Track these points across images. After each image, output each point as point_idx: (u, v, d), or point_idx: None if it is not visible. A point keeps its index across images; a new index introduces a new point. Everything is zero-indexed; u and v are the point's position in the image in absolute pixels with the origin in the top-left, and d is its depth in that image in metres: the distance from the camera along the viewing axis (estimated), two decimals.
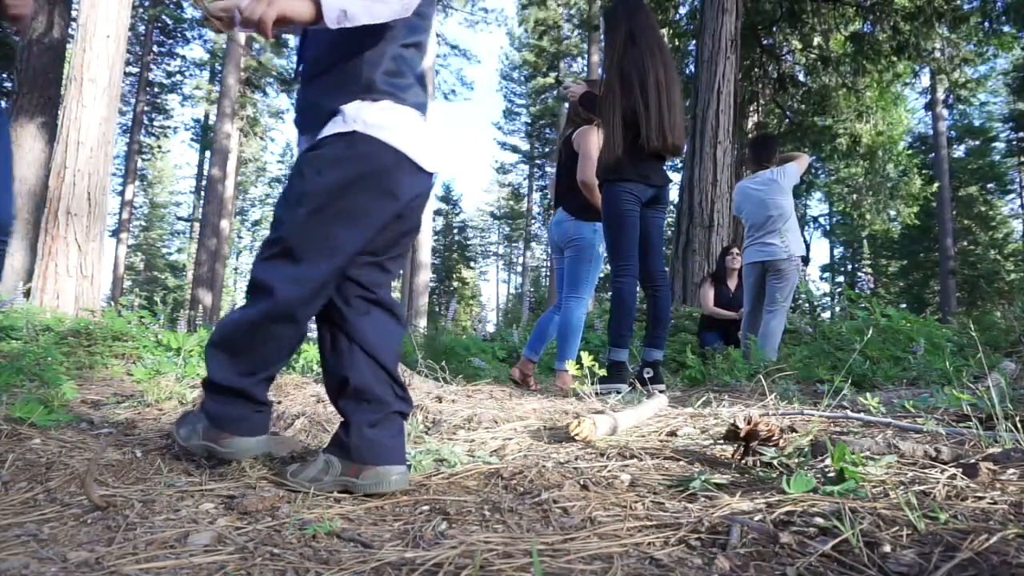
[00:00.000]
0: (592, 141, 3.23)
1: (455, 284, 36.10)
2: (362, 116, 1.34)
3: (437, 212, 36.13)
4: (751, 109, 11.63)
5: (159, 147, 25.92)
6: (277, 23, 1.19)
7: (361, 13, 1.25)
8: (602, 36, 3.37)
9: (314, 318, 1.44)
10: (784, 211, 4.31)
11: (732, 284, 5.46)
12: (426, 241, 14.67)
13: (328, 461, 1.32)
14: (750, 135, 11.48)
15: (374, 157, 1.35)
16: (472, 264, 39.91)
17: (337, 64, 1.38)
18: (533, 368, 3.45)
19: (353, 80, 1.36)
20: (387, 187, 1.36)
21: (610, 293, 3.04)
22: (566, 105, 3.70)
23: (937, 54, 10.36)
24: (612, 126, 2.90)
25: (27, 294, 5.33)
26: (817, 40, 10.87)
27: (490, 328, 9.36)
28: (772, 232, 4.29)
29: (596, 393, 2.55)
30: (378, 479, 1.27)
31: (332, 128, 1.35)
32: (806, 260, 5.10)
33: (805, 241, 6.09)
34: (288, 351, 1.42)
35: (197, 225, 24.60)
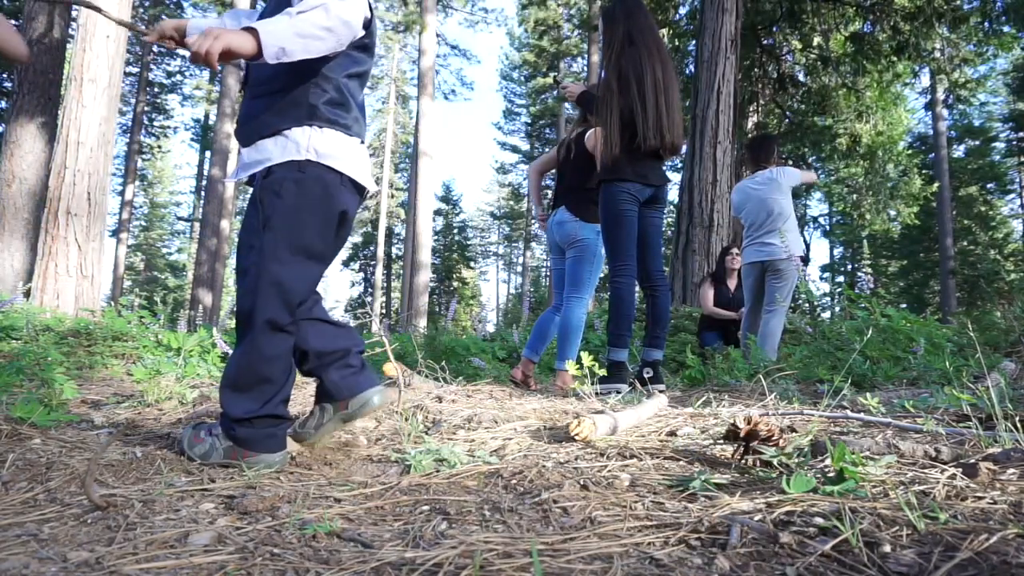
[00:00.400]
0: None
1: (455, 284, 36.10)
2: (314, 145, 1.50)
3: (437, 212, 36.15)
4: (751, 109, 11.63)
5: (159, 147, 25.93)
6: (222, 57, 1.31)
7: (298, 50, 1.39)
8: (600, 36, 3.37)
9: None
10: (784, 211, 4.30)
11: (732, 284, 5.46)
12: (426, 241, 14.65)
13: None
14: (750, 135, 11.47)
15: (328, 183, 1.51)
16: (472, 264, 39.90)
17: (283, 88, 1.51)
18: (533, 368, 3.45)
19: (297, 105, 1.50)
20: (337, 207, 1.54)
21: (609, 293, 3.04)
22: (566, 105, 3.71)
23: (937, 54, 10.36)
24: (609, 126, 2.90)
25: (27, 294, 5.33)
26: (817, 40, 10.86)
27: (490, 328, 9.35)
28: (771, 232, 4.29)
29: (596, 393, 2.55)
30: (363, 403, 1.61)
31: (285, 155, 1.49)
32: (806, 260, 5.10)
33: (805, 241, 6.09)
34: (291, 364, 1.56)
35: (197, 225, 24.62)
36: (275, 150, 1.49)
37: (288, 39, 1.35)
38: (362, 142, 1.62)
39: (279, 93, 1.50)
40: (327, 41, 1.41)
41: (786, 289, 4.24)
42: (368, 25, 1.55)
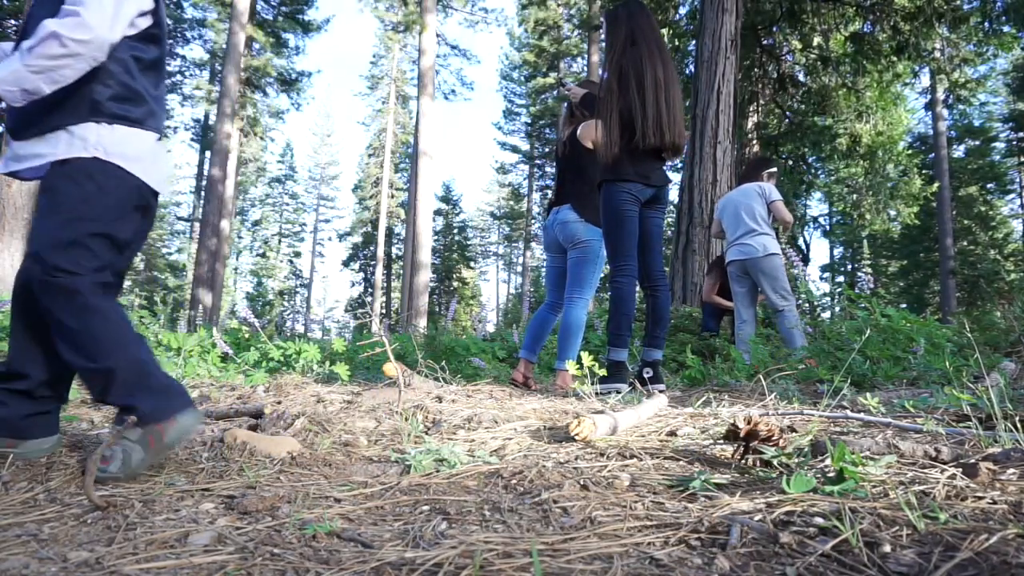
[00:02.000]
0: (590, 126, 3.27)
1: (455, 284, 36.10)
2: (103, 142, 1.46)
3: (437, 212, 36.16)
4: (751, 109, 11.63)
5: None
6: None
7: (45, 85, 1.38)
8: (603, 37, 3.37)
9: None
10: (761, 218, 4.52)
11: None
12: (426, 241, 14.66)
13: None
14: (750, 135, 11.48)
15: (115, 183, 1.48)
16: (472, 264, 39.91)
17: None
18: (533, 368, 3.45)
19: (79, 101, 1.46)
20: (125, 205, 1.50)
21: (610, 293, 3.04)
22: (566, 105, 3.70)
23: (937, 54, 10.36)
24: (610, 125, 2.90)
25: None
26: (817, 40, 10.86)
27: (490, 328, 9.36)
28: (749, 233, 4.49)
29: (596, 393, 2.55)
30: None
31: (70, 151, 1.45)
32: (805, 260, 5.12)
33: (805, 241, 6.11)
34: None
35: (197, 225, 24.60)
36: (59, 146, 1.45)
37: (27, 80, 1.35)
38: (160, 137, 1.59)
39: (62, 89, 1.45)
40: (75, 66, 1.38)
41: (778, 284, 4.37)
42: (154, 13, 1.53)
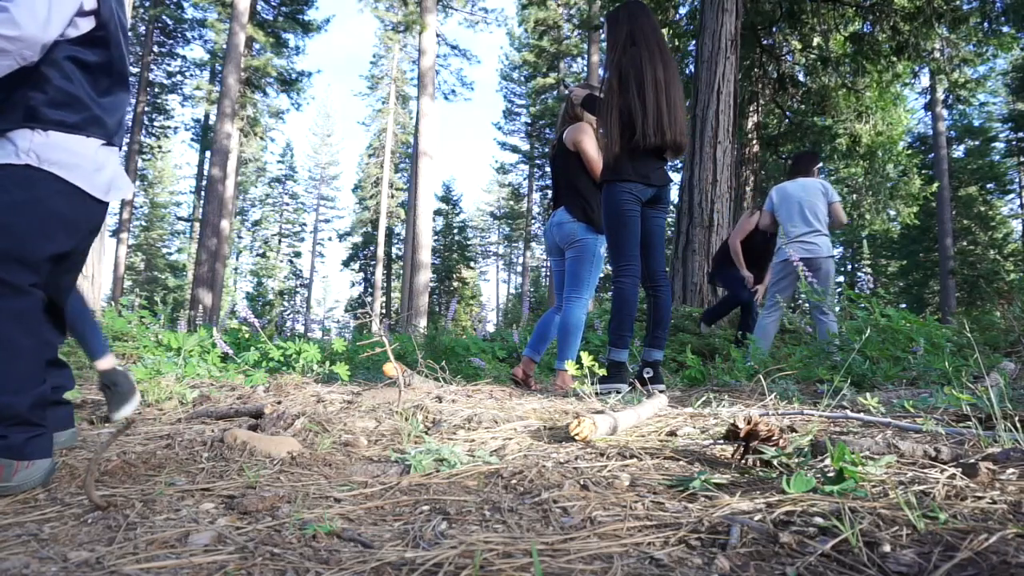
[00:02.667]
0: (587, 140, 3.27)
1: (455, 284, 36.09)
2: (35, 150, 1.41)
3: (437, 212, 36.15)
4: (751, 109, 11.63)
5: (159, 147, 25.93)
6: None
7: None
8: (603, 38, 3.38)
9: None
10: (823, 217, 4.56)
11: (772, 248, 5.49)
12: (426, 241, 14.66)
13: None
14: (750, 135, 11.48)
15: (48, 192, 1.42)
16: (472, 264, 39.91)
17: None
18: (534, 368, 3.45)
19: (13, 107, 1.42)
20: (57, 218, 1.44)
21: (611, 293, 3.05)
22: (563, 107, 3.72)
23: (937, 54, 10.35)
24: (609, 125, 2.91)
25: None
26: (817, 40, 10.86)
27: (490, 328, 9.35)
28: (814, 232, 4.50)
29: (596, 393, 2.55)
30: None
31: (4, 157, 1.40)
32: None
33: None
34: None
35: (197, 225, 24.60)
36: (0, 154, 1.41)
37: None
38: (108, 143, 1.54)
39: None
40: (1, 62, 1.35)
41: (830, 285, 4.45)
42: (98, 15, 1.48)
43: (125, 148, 24.30)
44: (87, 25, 1.47)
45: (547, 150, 30.50)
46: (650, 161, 2.94)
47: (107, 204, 1.56)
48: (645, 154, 2.93)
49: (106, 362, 2.27)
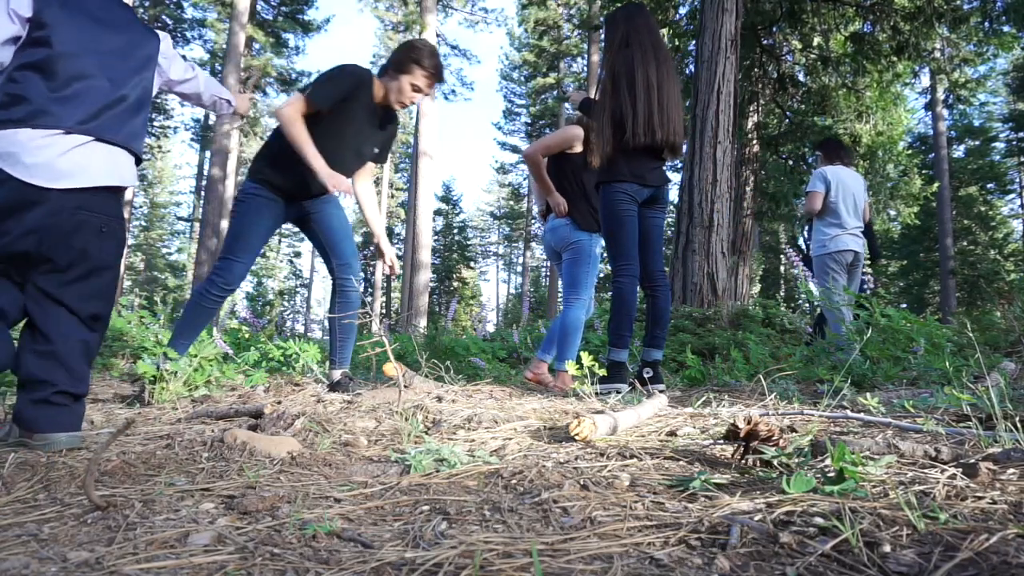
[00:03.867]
0: (563, 131, 3.39)
1: (455, 284, 36.09)
2: None
3: (437, 212, 36.15)
4: (751, 109, 11.62)
5: (159, 147, 25.93)
6: None
7: None
8: (602, 38, 3.42)
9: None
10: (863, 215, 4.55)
11: None
12: (426, 241, 14.66)
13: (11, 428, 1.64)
14: (750, 135, 11.47)
15: None
16: (472, 264, 39.91)
17: None
18: (546, 368, 3.47)
19: None
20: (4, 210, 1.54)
21: (610, 293, 3.06)
22: (566, 106, 3.77)
23: (937, 54, 10.35)
24: (602, 125, 2.93)
25: None
26: (817, 40, 10.85)
27: (490, 328, 9.36)
28: (859, 227, 4.48)
29: (596, 393, 2.55)
30: (46, 441, 1.60)
31: None
32: (806, 260, 5.10)
33: (806, 241, 6.08)
34: None
35: (197, 225, 24.59)
36: None
37: None
38: (67, 132, 1.59)
39: None
40: None
41: (857, 285, 4.46)
42: (37, 23, 1.57)
43: None
44: (25, 32, 1.56)
45: None
46: (646, 161, 2.95)
47: (63, 192, 1.58)
48: (640, 154, 2.93)
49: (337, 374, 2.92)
